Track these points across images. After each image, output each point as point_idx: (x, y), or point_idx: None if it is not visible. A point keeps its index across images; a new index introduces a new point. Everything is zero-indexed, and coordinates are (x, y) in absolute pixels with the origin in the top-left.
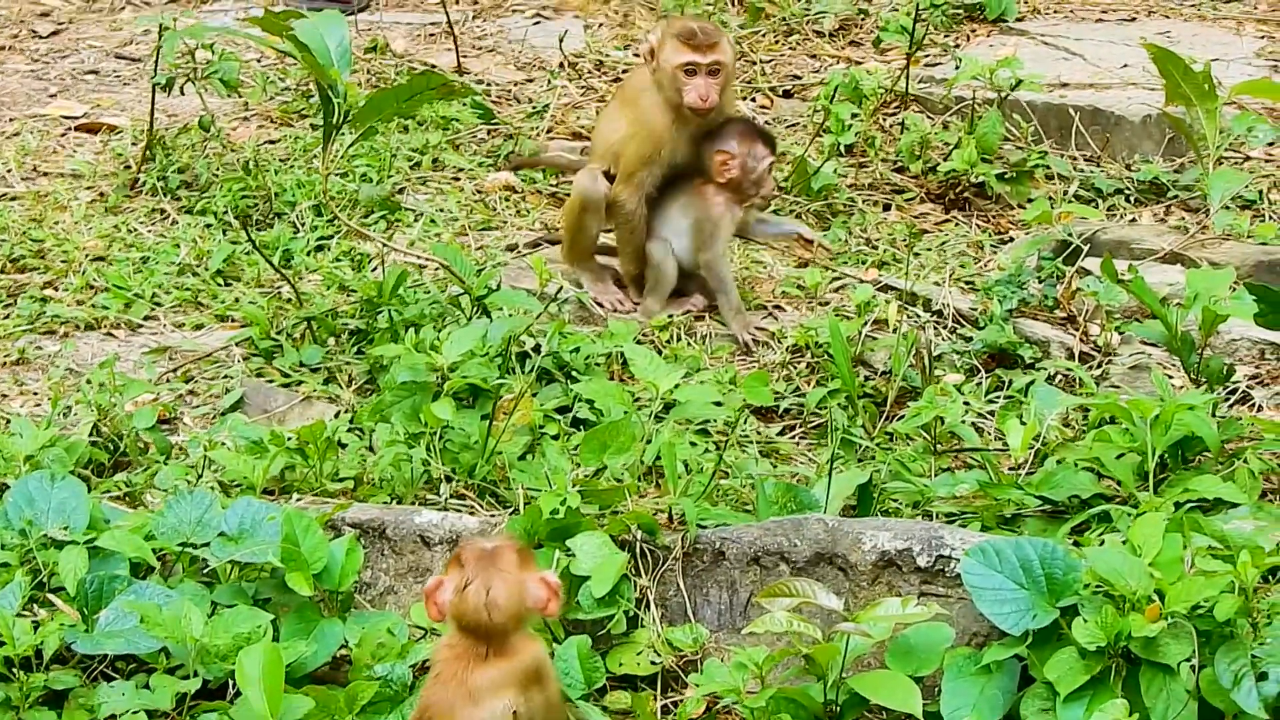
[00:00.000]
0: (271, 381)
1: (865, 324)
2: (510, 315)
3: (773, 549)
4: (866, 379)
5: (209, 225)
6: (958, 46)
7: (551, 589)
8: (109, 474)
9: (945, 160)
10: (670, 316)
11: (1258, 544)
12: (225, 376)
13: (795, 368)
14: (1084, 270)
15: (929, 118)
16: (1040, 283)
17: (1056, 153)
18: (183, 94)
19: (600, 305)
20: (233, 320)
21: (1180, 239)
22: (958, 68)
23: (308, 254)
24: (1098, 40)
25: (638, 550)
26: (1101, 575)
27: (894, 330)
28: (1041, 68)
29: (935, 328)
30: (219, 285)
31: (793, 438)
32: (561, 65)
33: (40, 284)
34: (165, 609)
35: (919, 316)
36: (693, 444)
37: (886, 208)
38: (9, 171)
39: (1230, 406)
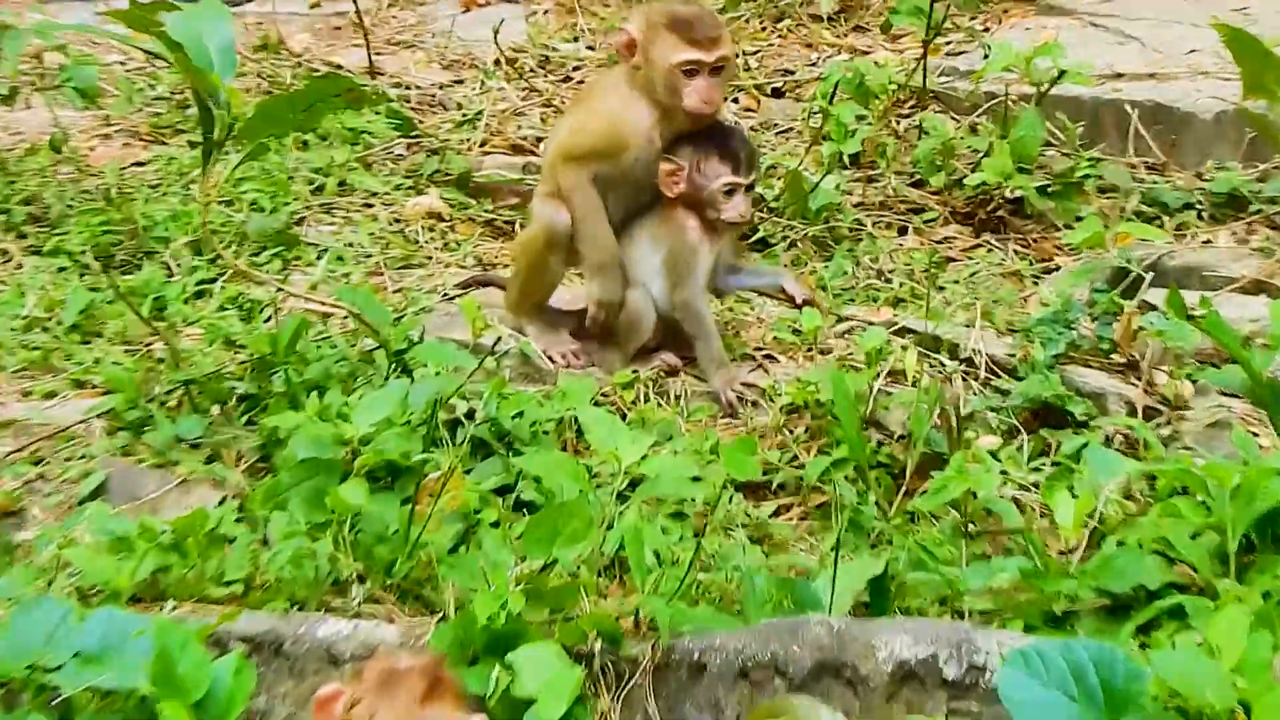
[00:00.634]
0: (141, 461)
1: (877, 376)
2: (437, 374)
3: (765, 660)
4: (880, 444)
5: (62, 268)
6: (986, 30)
7: None
8: None
9: (973, 171)
10: (635, 372)
11: None
12: (83, 456)
13: (791, 432)
14: (1146, 305)
15: (953, 119)
16: (1093, 321)
17: (1110, 159)
18: (29, 107)
19: (550, 359)
20: (92, 386)
21: (1265, 264)
22: (987, 56)
23: (185, 302)
24: (1159, 20)
25: (597, 664)
26: (1173, 685)
27: (913, 383)
28: (1090, 55)
29: (964, 379)
30: (75, 343)
31: (789, 519)
32: (497, 62)
33: None
34: None
35: (944, 366)
36: (665, 530)
37: (902, 231)
38: None
39: None
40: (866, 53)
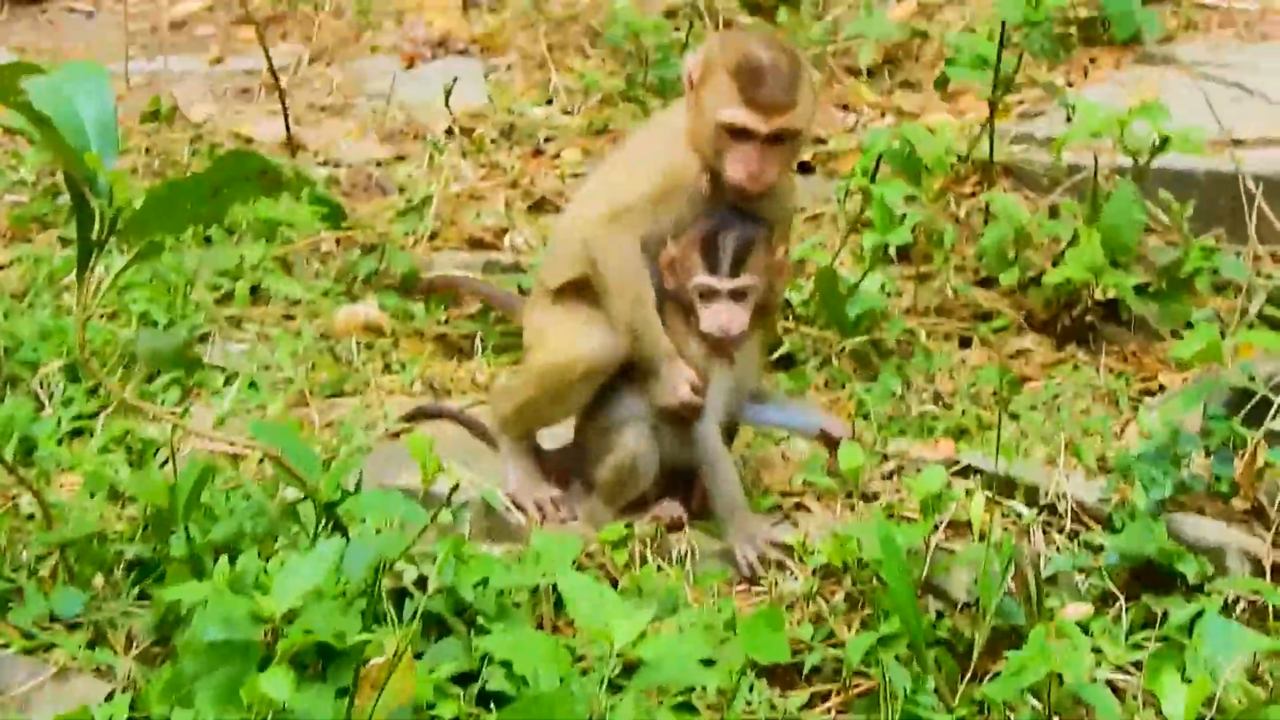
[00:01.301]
0: (6, 646)
1: (936, 529)
2: (378, 532)
3: None
4: (939, 616)
5: None
6: (1069, 86)
7: None
8: None
9: (1054, 266)
10: (629, 526)
11: None
12: None
13: (828, 601)
14: (1276, 435)
15: (1027, 198)
16: (1208, 456)
17: (1229, 250)
18: None
19: (521, 509)
20: None
21: None
22: (1070, 119)
23: (59, 442)
24: None
25: None
26: None
27: (980, 538)
28: (1202, 116)
29: (1045, 531)
30: None
31: (825, 711)
32: (449, 132)
33: None
34: None
35: (1019, 515)
36: None
37: (965, 343)
38: None
39: None
40: (917, 115)
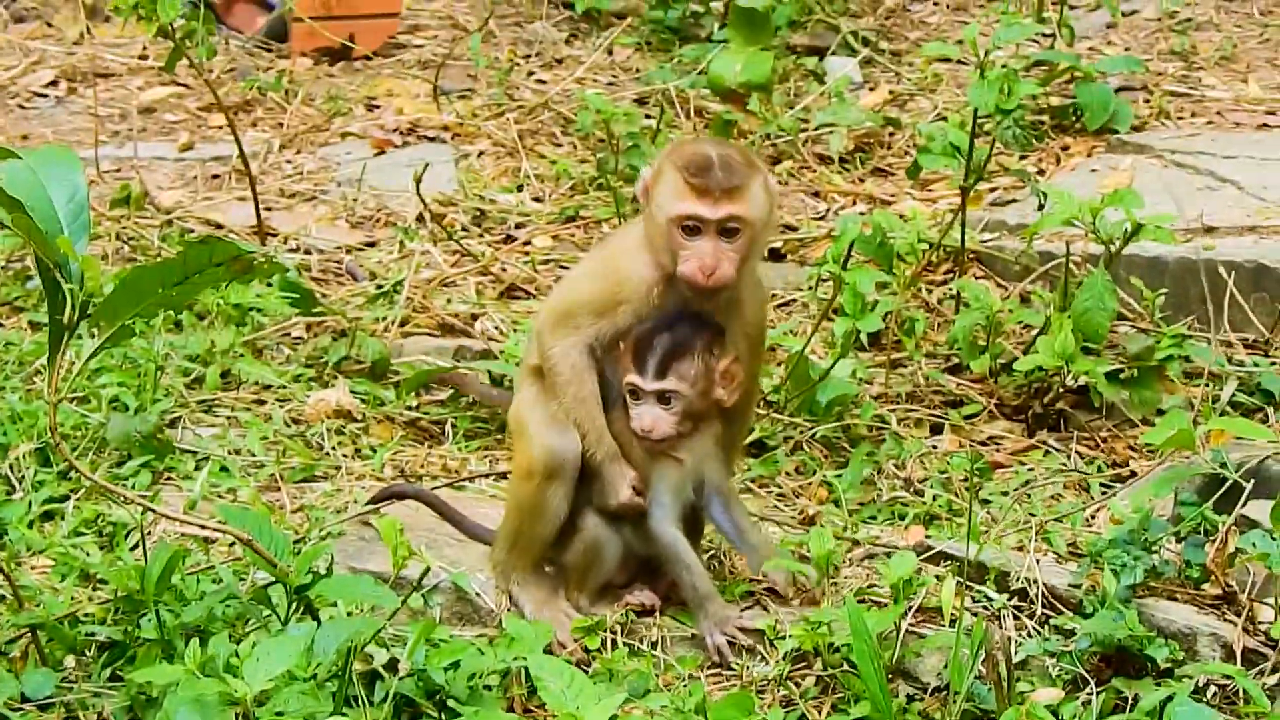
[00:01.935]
0: None
1: (906, 614)
2: (349, 615)
3: None
4: (910, 700)
5: None
6: (1041, 173)
7: None
8: None
9: (1026, 353)
10: (595, 616)
11: None
12: None
13: (798, 685)
14: (1247, 521)
15: (999, 285)
16: (1179, 542)
17: (1201, 337)
18: None
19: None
20: None
21: None
22: (1042, 206)
23: (30, 526)
24: (1261, 159)
25: None
26: None
27: (951, 623)
28: (1174, 204)
29: (1016, 616)
30: None
31: None
32: (420, 219)
33: None
34: None
35: (990, 600)
36: None
37: (936, 429)
38: None
39: None
40: (889, 203)
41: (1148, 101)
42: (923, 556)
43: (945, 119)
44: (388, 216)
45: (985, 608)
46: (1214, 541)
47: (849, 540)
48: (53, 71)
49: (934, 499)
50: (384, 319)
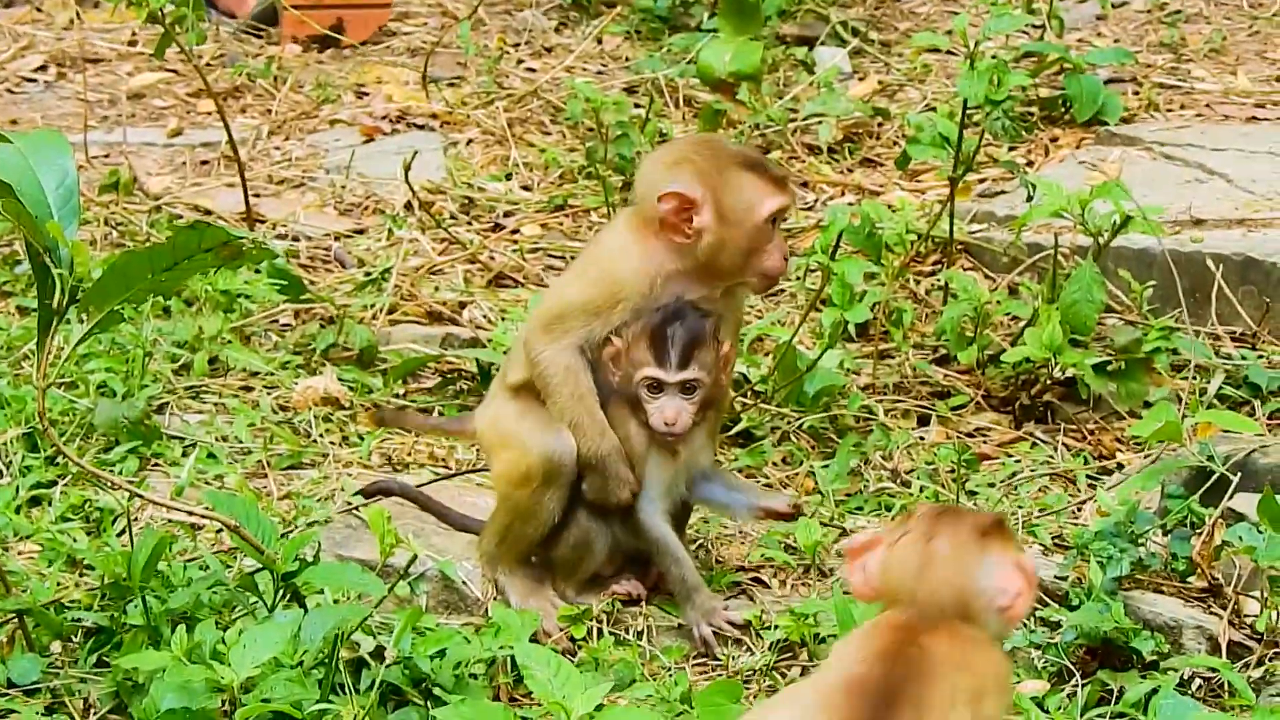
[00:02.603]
0: None
1: None
2: (336, 602)
3: None
4: None
5: None
6: (1030, 165)
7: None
8: None
9: (1013, 345)
10: (582, 605)
11: None
12: None
13: (784, 675)
14: (1233, 514)
15: (987, 276)
16: (1165, 535)
17: (1189, 329)
18: None
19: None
20: None
21: None
22: (1030, 198)
23: (17, 511)
24: (1249, 151)
25: None
26: None
27: None
28: (1163, 196)
29: None
30: None
31: None
32: (409, 206)
33: None
34: None
35: None
36: None
37: (923, 421)
38: None
39: None
40: (878, 193)
41: (1137, 93)
42: None
43: (934, 110)
44: (376, 204)
45: None
46: (1200, 534)
47: (836, 530)
48: (42, 56)
49: (921, 490)
50: (372, 306)
